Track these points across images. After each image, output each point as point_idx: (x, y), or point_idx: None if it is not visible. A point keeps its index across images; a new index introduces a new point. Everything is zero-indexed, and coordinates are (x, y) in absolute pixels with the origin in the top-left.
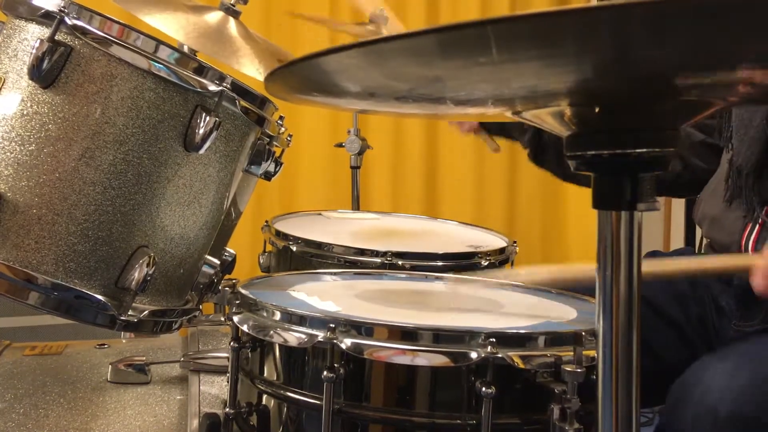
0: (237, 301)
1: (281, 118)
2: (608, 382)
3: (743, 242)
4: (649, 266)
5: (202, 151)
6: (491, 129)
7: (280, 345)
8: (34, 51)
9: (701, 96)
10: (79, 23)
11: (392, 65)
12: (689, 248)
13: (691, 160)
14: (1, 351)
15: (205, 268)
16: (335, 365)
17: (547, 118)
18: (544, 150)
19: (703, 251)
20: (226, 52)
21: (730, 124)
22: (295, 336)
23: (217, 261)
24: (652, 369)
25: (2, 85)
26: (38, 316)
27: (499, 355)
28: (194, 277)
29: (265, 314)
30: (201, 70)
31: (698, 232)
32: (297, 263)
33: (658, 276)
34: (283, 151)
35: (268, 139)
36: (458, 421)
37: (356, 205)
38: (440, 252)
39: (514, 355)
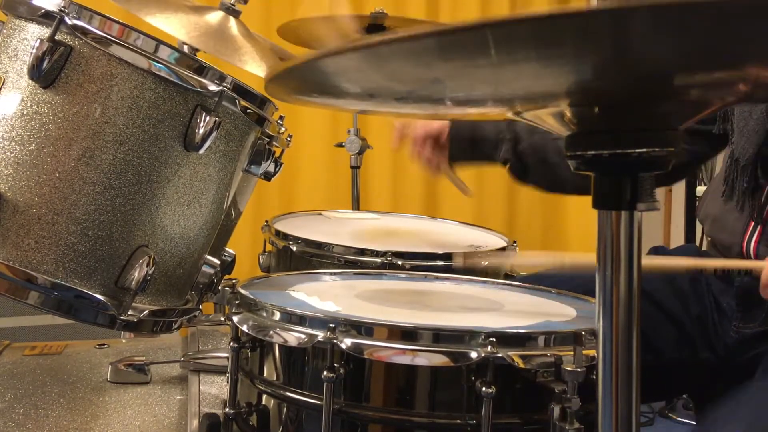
0: (237, 301)
1: (281, 118)
2: (608, 381)
3: (744, 243)
4: (650, 261)
5: (202, 151)
6: (465, 153)
7: (280, 345)
8: (34, 51)
9: (701, 96)
10: (79, 23)
11: (391, 67)
12: (692, 245)
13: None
14: (1, 351)
15: (205, 268)
16: (335, 365)
17: (547, 119)
18: (526, 168)
19: (705, 249)
20: (228, 50)
21: (732, 116)
22: (294, 336)
23: (217, 261)
24: (653, 364)
25: (2, 84)
26: (38, 316)
27: (499, 355)
28: (194, 276)
29: (264, 314)
30: (201, 69)
31: (698, 231)
32: (297, 263)
33: (657, 270)
34: (282, 151)
35: (268, 139)
36: (458, 421)
37: (356, 205)
38: (440, 252)
39: (514, 355)
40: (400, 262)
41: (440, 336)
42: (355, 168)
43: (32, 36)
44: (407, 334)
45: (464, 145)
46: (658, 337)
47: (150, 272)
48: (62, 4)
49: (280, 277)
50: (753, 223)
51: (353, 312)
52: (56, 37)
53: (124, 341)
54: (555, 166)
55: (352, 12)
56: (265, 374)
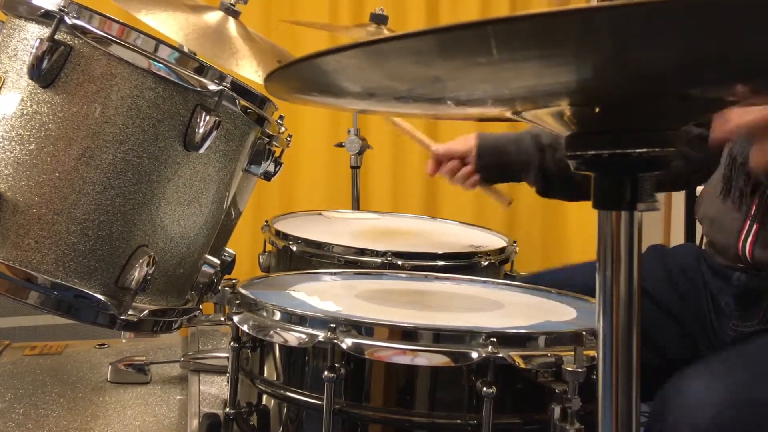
0: (237, 301)
1: (281, 117)
2: (608, 381)
3: (740, 244)
4: None
5: (202, 151)
6: (492, 176)
7: (280, 345)
8: (33, 50)
9: (701, 96)
10: (79, 23)
11: (392, 66)
12: (693, 244)
13: (691, 155)
14: (1, 351)
15: (205, 268)
16: (336, 365)
17: (547, 118)
18: (551, 184)
19: (704, 248)
20: (225, 53)
21: None
22: (295, 336)
23: (217, 261)
24: (654, 362)
25: (2, 84)
26: (38, 316)
27: (500, 355)
28: (194, 276)
29: (265, 314)
30: (201, 69)
31: (698, 231)
32: (297, 263)
33: None
34: (282, 151)
35: (267, 139)
36: (459, 421)
37: (356, 205)
38: (440, 252)
39: (515, 355)
40: (400, 262)
41: (441, 336)
42: (355, 168)
43: (32, 36)
44: (408, 334)
45: (491, 170)
46: (659, 335)
47: (150, 272)
48: (62, 4)
49: (280, 277)
50: (749, 223)
51: (353, 312)
52: (56, 37)
53: (124, 341)
54: (580, 183)
55: (352, 13)
56: (265, 374)
